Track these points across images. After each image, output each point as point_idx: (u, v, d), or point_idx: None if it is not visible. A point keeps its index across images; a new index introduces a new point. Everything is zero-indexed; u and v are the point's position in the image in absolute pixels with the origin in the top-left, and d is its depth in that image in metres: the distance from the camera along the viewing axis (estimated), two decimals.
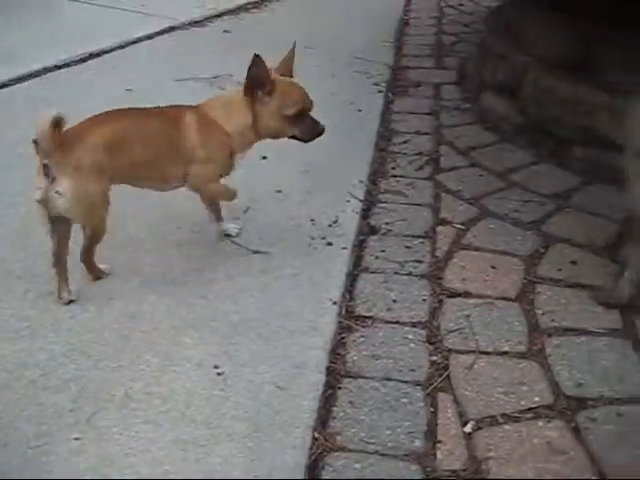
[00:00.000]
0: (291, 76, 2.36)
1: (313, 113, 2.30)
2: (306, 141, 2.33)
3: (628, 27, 3.04)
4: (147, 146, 2.21)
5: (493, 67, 3.70)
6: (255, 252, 2.41)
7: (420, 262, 2.47)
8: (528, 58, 3.49)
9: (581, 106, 3.09)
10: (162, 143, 2.24)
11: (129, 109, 2.27)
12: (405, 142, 3.41)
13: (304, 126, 2.29)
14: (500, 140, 3.43)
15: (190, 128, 2.24)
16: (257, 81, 2.22)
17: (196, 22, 5.25)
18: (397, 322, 2.19)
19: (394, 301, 2.27)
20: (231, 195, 2.41)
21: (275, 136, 2.34)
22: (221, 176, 2.34)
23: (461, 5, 5.98)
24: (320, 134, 2.31)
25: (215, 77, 4.07)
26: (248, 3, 5.78)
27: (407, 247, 2.56)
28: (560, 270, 2.44)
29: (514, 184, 3.02)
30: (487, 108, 3.63)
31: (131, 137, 2.18)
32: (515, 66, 3.53)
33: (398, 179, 3.05)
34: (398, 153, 3.29)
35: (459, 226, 2.69)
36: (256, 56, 2.18)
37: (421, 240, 2.60)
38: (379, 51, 4.69)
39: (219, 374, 1.94)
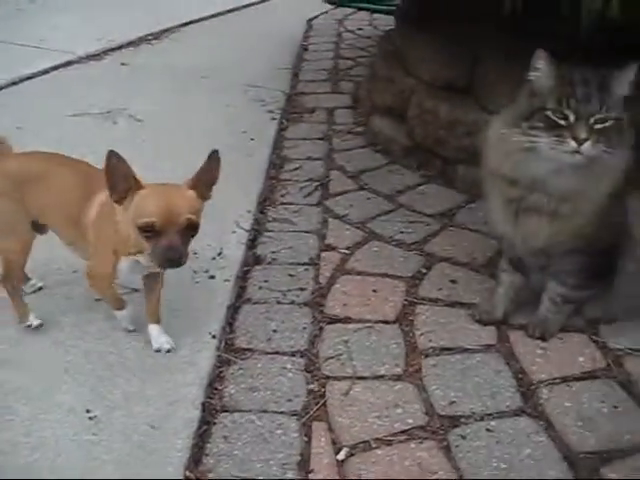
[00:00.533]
0: (206, 192, 1.96)
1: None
2: (158, 266, 1.95)
3: (506, 49, 3.16)
4: (52, 196, 2.12)
5: (382, 90, 3.77)
6: (135, 290, 2.38)
7: (303, 290, 2.48)
8: (414, 81, 3.57)
9: (462, 126, 3.18)
10: (67, 202, 2.11)
11: (65, 156, 2.22)
12: (296, 169, 3.43)
13: (156, 247, 1.84)
14: (390, 162, 3.49)
15: (94, 205, 2.03)
16: (113, 181, 1.85)
17: (94, 55, 5.21)
18: (276, 352, 2.19)
19: (274, 331, 2.27)
20: (117, 305, 2.19)
21: (139, 249, 1.93)
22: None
23: (360, 29, 6.09)
24: (172, 264, 1.88)
25: (108, 112, 4.04)
26: (149, 34, 5.76)
27: (291, 275, 2.57)
28: (440, 290, 2.48)
29: (401, 205, 3.07)
30: (378, 131, 3.69)
31: (42, 179, 2.12)
32: (402, 89, 3.61)
33: (287, 207, 3.07)
34: (289, 180, 3.31)
35: (344, 251, 2.72)
36: (110, 153, 1.83)
37: (305, 267, 2.62)
38: (276, 78, 4.72)
39: (91, 418, 1.90)
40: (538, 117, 1.90)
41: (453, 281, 2.53)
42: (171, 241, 1.84)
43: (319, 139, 3.78)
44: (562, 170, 1.90)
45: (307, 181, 3.29)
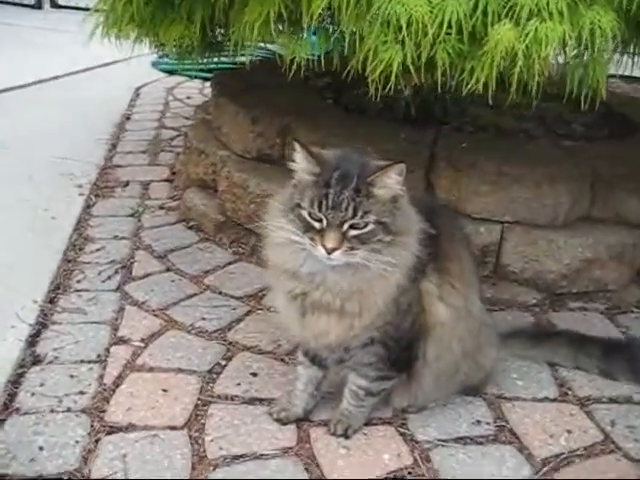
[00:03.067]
0: None
1: None
2: None
3: (317, 119, 3.08)
4: None
5: (196, 163, 3.58)
6: None
7: (83, 393, 2.19)
8: (226, 153, 3.40)
9: None
10: None
11: None
12: (99, 250, 3.14)
13: None
14: (201, 240, 3.27)
15: None
16: None
17: None
18: (39, 477, 1.87)
19: (41, 449, 1.96)
20: None
21: None
22: None
23: (189, 98, 5.91)
24: None
25: None
26: None
27: (72, 376, 2.27)
28: (239, 385, 2.26)
29: (207, 288, 2.85)
30: (191, 206, 3.47)
31: None
32: (214, 161, 3.43)
33: (81, 294, 2.76)
34: (88, 263, 3.01)
35: (137, 343, 2.45)
36: None
37: (90, 366, 2.32)
38: (90, 149, 4.41)
39: None
40: (296, 213, 1.75)
41: (254, 374, 2.31)
42: None
43: (129, 216, 3.51)
44: (336, 267, 1.73)
45: (108, 263, 3.01)
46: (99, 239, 3.25)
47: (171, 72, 6.74)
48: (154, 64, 6.80)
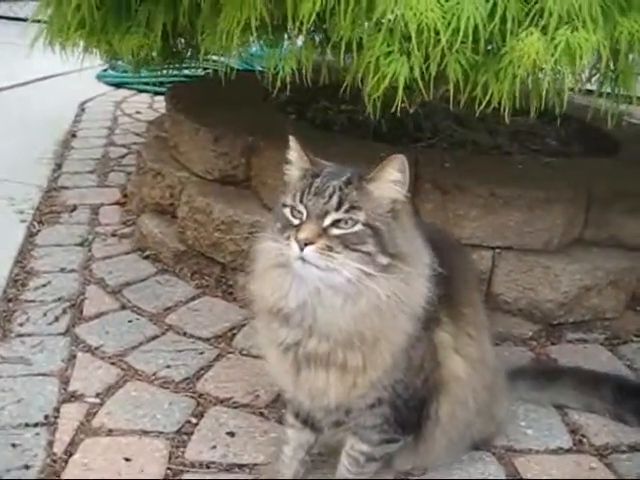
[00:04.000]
0: None
1: None
2: None
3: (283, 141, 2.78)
4: None
5: (151, 185, 3.25)
6: None
7: (28, 468, 1.84)
8: (184, 174, 3.08)
9: (240, 227, 2.71)
10: None
11: None
12: (44, 285, 2.79)
13: None
14: (160, 271, 2.94)
15: None
16: None
17: None
18: None
19: None
20: None
21: None
22: None
23: (138, 113, 5.55)
24: None
25: None
26: None
27: (14, 445, 1.92)
28: (214, 448, 1.95)
29: (169, 328, 2.52)
30: (146, 233, 3.13)
31: None
32: (172, 184, 3.11)
33: (24, 339, 2.41)
34: (32, 302, 2.66)
35: (92, 400, 2.12)
36: None
37: (37, 430, 1.98)
38: (32, 170, 4.03)
39: None
40: (280, 215, 1.49)
41: (230, 433, 2.00)
42: None
43: (77, 245, 3.16)
44: (322, 293, 1.44)
45: (55, 301, 2.66)
46: (44, 273, 2.89)
47: (118, 85, 6.40)
48: (99, 77, 6.44)
